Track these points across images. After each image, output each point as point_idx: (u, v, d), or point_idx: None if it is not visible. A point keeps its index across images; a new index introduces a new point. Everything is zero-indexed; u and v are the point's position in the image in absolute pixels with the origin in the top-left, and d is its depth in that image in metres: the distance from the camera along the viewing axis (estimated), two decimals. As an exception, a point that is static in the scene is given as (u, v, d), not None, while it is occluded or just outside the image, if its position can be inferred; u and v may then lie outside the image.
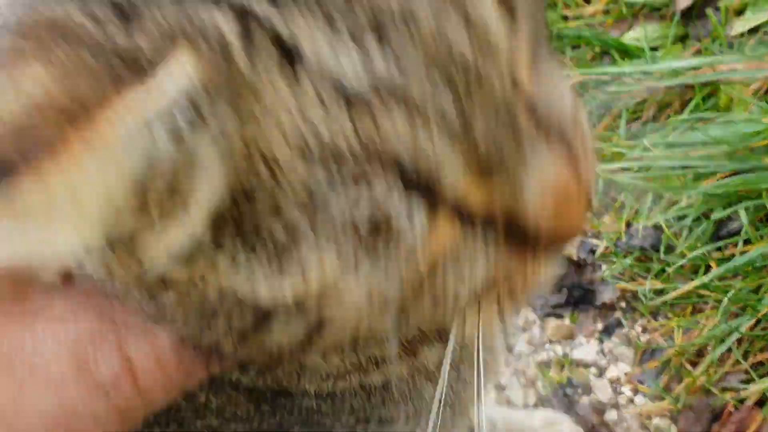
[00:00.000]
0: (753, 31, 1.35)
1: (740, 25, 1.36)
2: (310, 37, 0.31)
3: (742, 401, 1.13)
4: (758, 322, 1.16)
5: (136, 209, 0.33)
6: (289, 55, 0.31)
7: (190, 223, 0.34)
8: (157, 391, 0.42)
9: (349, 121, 0.32)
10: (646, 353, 1.23)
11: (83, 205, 0.30)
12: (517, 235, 0.39)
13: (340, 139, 0.32)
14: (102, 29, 0.31)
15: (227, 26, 0.31)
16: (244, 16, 0.31)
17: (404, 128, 0.32)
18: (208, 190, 0.33)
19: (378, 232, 0.34)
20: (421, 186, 0.34)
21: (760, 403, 1.13)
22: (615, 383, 1.22)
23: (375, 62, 0.32)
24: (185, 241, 0.35)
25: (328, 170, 0.33)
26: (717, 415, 1.14)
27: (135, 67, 0.30)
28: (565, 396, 1.19)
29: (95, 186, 0.30)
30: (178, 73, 0.30)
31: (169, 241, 0.35)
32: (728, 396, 1.14)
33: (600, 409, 1.18)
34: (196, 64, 0.31)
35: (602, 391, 1.20)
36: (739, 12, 1.39)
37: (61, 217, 0.30)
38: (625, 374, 1.22)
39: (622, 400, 1.19)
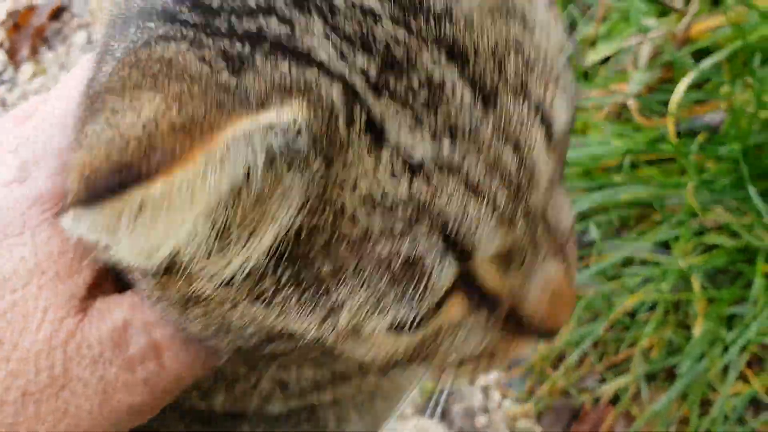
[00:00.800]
0: (604, 61, 1.48)
1: (593, 56, 1.49)
2: (397, 124, 0.40)
3: (597, 400, 1.23)
4: (612, 326, 1.26)
5: (222, 227, 0.40)
6: (375, 131, 0.40)
7: (257, 249, 0.41)
8: (180, 370, 0.51)
9: (409, 185, 0.40)
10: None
11: (196, 200, 0.37)
12: (514, 321, 0.48)
13: (400, 198, 0.40)
14: (210, 69, 0.39)
15: (337, 95, 0.39)
16: (351, 92, 0.39)
17: (458, 200, 0.40)
18: (284, 216, 0.40)
19: (409, 270, 0.41)
20: (457, 250, 0.41)
21: (614, 401, 1.23)
22: (485, 390, 1.30)
23: (442, 149, 0.40)
24: (244, 265, 0.41)
25: (385, 221, 0.40)
26: (576, 414, 1.23)
27: (245, 103, 0.38)
28: (437, 404, 1.26)
29: (205, 186, 0.37)
30: (290, 114, 0.38)
31: (231, 264, 0.42)
32: (585, 396, 1.23)
33: (471, 414, 1.26)
34: (308, 113, 0.38)
35: (473, 398, 1.28)
36: (592, 43, 1.51)
37: (179, 209, 0.37)
38: (495, 381, 1.30)
39: (491, 404, 1.27)
